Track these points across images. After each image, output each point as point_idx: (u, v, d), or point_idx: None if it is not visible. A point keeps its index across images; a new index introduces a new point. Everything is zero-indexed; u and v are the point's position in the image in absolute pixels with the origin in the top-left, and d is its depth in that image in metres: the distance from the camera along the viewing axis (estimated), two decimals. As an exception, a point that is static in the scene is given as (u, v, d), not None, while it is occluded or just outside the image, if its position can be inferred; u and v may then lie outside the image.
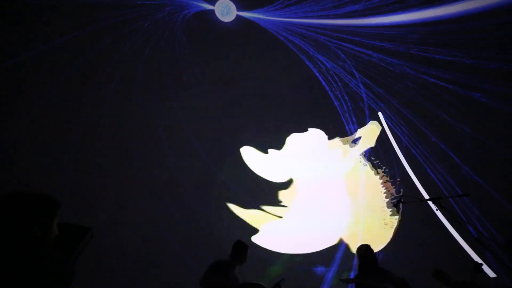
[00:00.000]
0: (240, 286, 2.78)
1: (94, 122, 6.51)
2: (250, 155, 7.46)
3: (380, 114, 7.77)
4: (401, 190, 6.79)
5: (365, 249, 3.03)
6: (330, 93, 8.22)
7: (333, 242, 6.61)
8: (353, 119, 7.93)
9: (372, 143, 7.51)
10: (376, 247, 5.92)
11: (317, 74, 8.30)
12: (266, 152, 7.57)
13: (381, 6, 7.26)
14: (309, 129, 7.91)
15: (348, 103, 8.10)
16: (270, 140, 7.67)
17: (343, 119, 7.95)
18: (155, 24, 7.58)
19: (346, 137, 7.70)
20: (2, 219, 0.95)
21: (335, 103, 8.17)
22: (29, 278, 0.86)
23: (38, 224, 1.00)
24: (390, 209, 6.58)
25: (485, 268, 5.33)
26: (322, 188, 7.29)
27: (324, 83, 8.26)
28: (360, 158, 7.45)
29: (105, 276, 5.23)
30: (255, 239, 6.45)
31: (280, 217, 6.83)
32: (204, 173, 7.12)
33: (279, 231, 6.67)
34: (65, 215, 1.15)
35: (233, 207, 6.79)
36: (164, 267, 5.73)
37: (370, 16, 7.54)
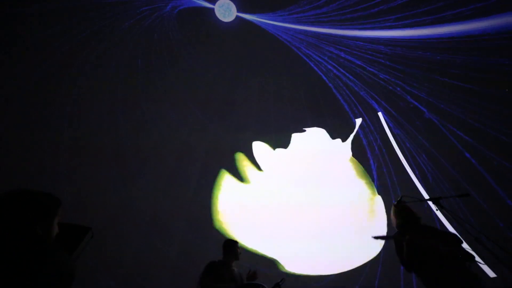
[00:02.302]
0: (240, 286, 2.78)
1: (93, 122, 6.51)
2: (260, 151, 7.47)
3: (380, 114, 7.78)
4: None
5: (397, 206, 2.63)
6: (331, 92, 8.24)
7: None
8: (356, 117, 7.98)
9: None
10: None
11: (320, 73, 8.32)
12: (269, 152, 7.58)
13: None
14: (309, 129, 7.93)
15: (349, 103, 8.12)
16: (271, 140, 7.68)
17: (351, 115, 7.97)
18: (149, 18, 7.58)
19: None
20: (3, 217, 0.95)
21: (337, 103, 8.19)
22: (30, 276, 0.85)
23: (39, 222, 1.00)
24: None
25: (485, 268, 5.33)
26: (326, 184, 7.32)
27: (324, 81, 8.28)
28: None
29: (104, 276, 5.22)
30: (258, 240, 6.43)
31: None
32: (205, 173, 7.11)
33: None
34: (64, 214, 1.15)
35: (235, 208, 6.78)
36: (164, 268, 5.73)
37: (373, 30, 7.65)
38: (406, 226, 2.51)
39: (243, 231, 6.41)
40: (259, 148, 7.56)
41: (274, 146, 7.65)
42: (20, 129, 5.65)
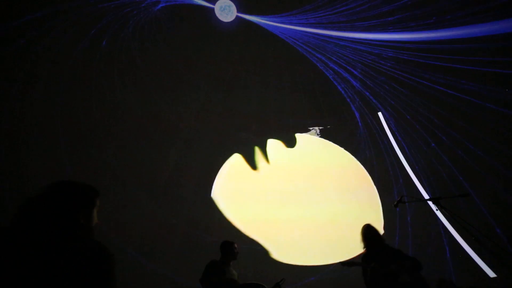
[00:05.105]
0: (240, 286, 2.79)
1: (92, 121, 6.51)
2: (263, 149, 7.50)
3: (380, 114, 7.79)
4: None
5: (365, 229, 2.85)
6: (331, 92, 8.26)
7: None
8: (357, 118, 7.99)
9: None
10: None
11: (320, 73, 8.34)
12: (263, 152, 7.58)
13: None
14: (310, 128, 7.95)
15: (350, 102, 8.13)
16: (271, 139, 7.68)
17: (356, 114, 7.98)
18: (144, 15, 7.56)
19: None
20: (50, 206, 1.01)
21: (337, 102, 8.20)
22: (76, 262, 0.89)
23: (81, 211, 1.06)
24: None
25: (485, 268, 5.34)
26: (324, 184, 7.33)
27: (324, 81, 8.29)
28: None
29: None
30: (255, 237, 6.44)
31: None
32: (205, 173, 7.11)
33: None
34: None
35: (234, 207, 6.79)
36: (163, 267, 5.73)
37: (373, 32, 7.69)
38: (372, 248, 2.73)
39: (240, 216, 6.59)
40: (262, 146, 7.57)
41: (275, 145, 7.65)
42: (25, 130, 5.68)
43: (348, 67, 8.15)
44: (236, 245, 3.14)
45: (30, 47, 5.94)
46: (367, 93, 7.97)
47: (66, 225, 0.98)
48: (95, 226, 1.13)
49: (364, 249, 2.80)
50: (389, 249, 2.71)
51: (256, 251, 6.17)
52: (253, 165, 7.28)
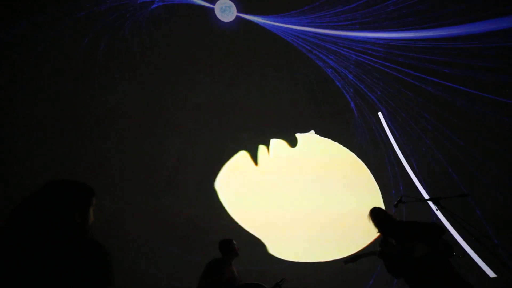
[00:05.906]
0: (240, 286, 2.78)
1: (93, 120, 6.51)
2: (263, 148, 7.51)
3: (380, 114, 7.79)
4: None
5: (373, 212, 2.63)
6: (331, 92, 8.26)
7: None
8: (356, 118, 7.99)
9: None
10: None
11: (320, 73, 8.34)
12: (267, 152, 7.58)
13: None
14: (309, 127, 7.96)
15: (350, 102, 8.13)
16: (271, 139, 7.68)
17: (356, 114, 7.96)
18: (142, 15, 7.57)
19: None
20: (45, 206, 1.00)
21: (337, 102, 8.20)
22: (74, 261, 0.90)
23: (77, 211, 1.06)
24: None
25: (485, 268, 5.34)
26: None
27: (324, 81, 8.30)
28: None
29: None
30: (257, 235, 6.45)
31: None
32: (204, 173, 7.11)
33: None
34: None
35: (234, 207, 6.80)
36: (163, 266, 5.73)
37: (373, 31, 7.70)
38: (386, 230, 2.52)
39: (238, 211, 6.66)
40: (264, 144, 7.58)
41: (274, 145, 7.65)
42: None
43: (347, 66, 8.15)
44: (234, 242, 3.06)
45: (30, 49, 5.96)
46: (369, 93, 7.97)
47: (62, 225, 0.98)
48: (94, 224, 1.13)
49: (378, 233, 2.58)
50: (403, 226, 2.45)
51: (256, 250, 6.17)
52: (256, 162, 7.30)
